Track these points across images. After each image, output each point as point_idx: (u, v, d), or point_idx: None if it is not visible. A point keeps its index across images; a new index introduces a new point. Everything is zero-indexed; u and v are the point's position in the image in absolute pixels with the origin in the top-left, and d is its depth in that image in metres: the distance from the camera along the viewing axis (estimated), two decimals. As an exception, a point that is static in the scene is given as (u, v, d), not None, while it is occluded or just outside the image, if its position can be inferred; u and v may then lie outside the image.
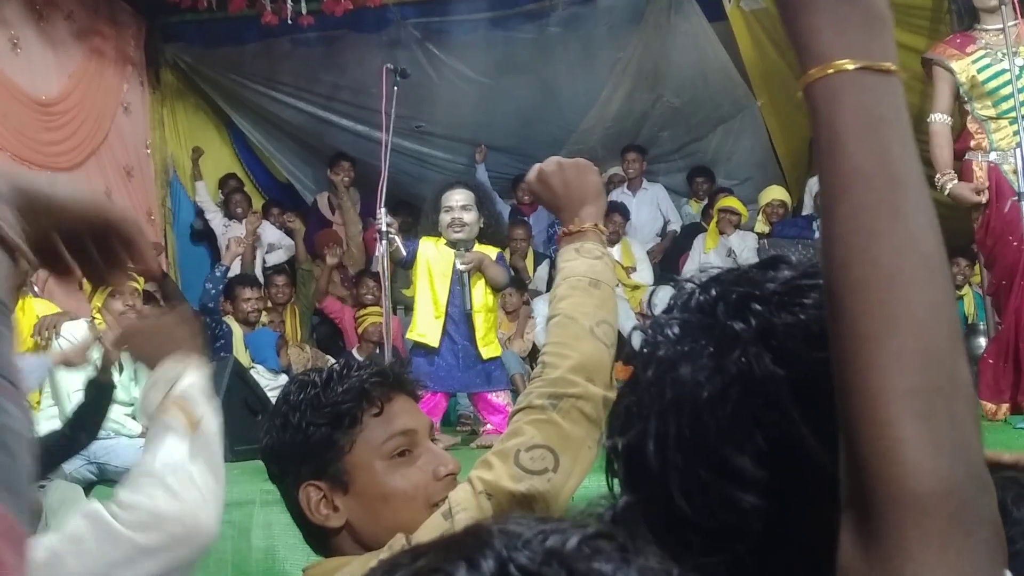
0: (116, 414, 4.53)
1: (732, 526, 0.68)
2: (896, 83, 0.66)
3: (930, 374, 0.59)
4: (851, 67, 0.65)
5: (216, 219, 8.08)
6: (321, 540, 1.43)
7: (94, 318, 4.90)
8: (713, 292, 0.74)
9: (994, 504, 0.60)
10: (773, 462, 0.67)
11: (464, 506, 1.30)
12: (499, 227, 5.54)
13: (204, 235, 8.27)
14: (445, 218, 5.13)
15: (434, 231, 5.23)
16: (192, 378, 1.50)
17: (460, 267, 5.08)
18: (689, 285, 0.77)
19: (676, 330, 0.73)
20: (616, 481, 0.77)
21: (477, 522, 0.48)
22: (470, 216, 5.13)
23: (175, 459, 1.35)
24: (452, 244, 5.15)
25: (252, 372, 5.85)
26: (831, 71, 0.65)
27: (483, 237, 5.27)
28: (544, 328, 6.86)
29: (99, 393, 3.94)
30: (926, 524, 0.57)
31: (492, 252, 5.27)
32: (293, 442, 1.40)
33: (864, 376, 0.59)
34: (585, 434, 1.36)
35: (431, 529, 1.29)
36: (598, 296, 1.46)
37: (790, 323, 0.70)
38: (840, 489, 0.62)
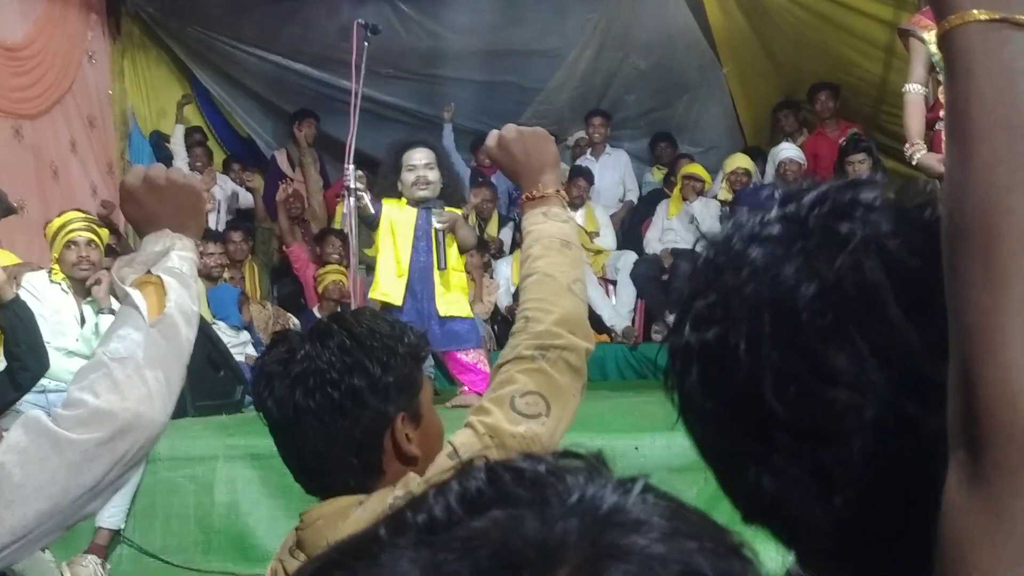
0: (77, 367, 4.49)
1: (824, 427, 0.68)
2: None
3: None
4: (987, 18, 0.65)
5: (181, 167, 7.96)
6: (369, 474, 1.45)
7: (53, 268, 4.85)
8: (804, 200, 0.74)
9: None
10: (873, 366, 0.67)
11: (469, 447, 1.37)
12: (457, 188, 5.61)
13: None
14: (409, 177, 5.18)
15: (392, 192, 5.26)
16: (177, 259, 1.44)
17: (437, 226, 5.14)
18: (770, 194, 0.77)
19: (776, 230, 0.73)
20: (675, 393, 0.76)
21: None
22: (434, 175, 5.22)
23: (126, 350, 1.32)
24: (416, 203, 5.19)
25: (213, 328, 5.83)
26: (969, 19, 0.65)
27: (443, 198, 5.33)
28: (508, 290, 6.95)
29: (12, 313, 3.84)
30: None
31: (457, 212, 5.36)
32: (399, 373, 1.45)
33: (989, 319, 0.60)
34: (570, 382, 1.44)
35: (440, 469, 1.35)
36: (570, 256, 1.54)
37: (892, 231, 0.70)
38: (948, 430, 0.62)
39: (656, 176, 8.52)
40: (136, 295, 1.38)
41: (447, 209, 5.26)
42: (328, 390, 1.41)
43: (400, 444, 1.45)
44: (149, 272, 1.43)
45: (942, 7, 0.67)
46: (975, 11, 0.65)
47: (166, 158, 7.95)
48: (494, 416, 1.39)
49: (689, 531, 0.44)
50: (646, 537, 0.42)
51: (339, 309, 6.51)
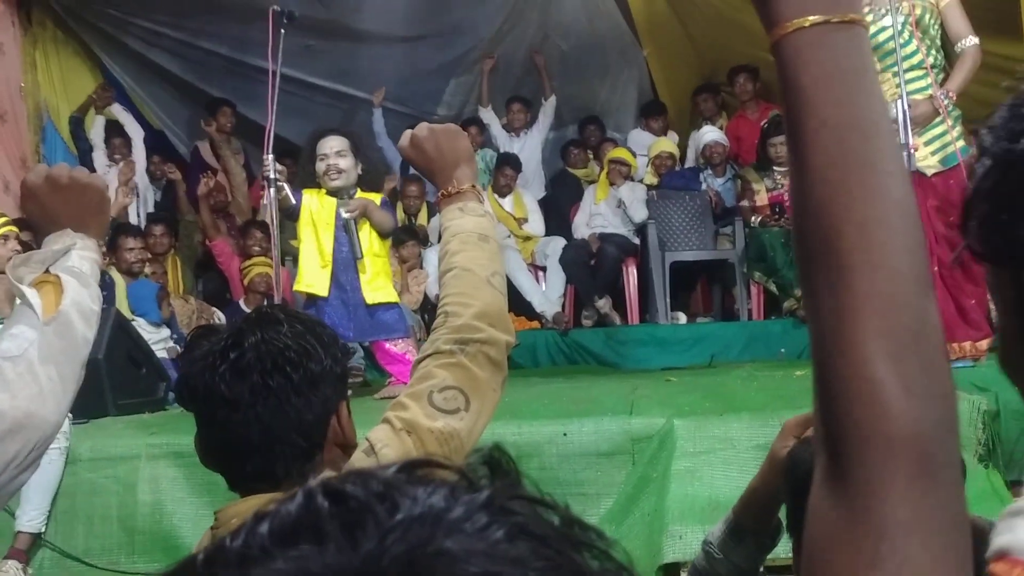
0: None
1: None
2: (860, 33, 0.67)
3: (902, 317, 0.60)
4: (810, 23, 0.65)
5: (100, 158, 7.75)
6: (310, 460, 1.45)
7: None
8: None
9: (958, 447, 0.61)
10: None
11: (386, 442, 1.38)
12: (378, 174, 5.56)
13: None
14: (321, 166, 5.17)
15: (312, 182, 5.23)
16: (77, 258, 1.43)
17: (345, 215, 5.09)
18: None
19: None
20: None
21: None
22: (346, 162, 5.18)
23: (18, 348, 1.29)
24: (332, 192, 5.14)
25: (133, 324, 5.71)
26: (791, 29, 0.66)
27: (363, 184, 5.29)
28: (436, 279, 6.90)
29: None
30: (893, 465, 0.57)
31: (376, 198, 5.32)
32: (342, 362, 1.49)
33: (837, 318, 0.60)
34: (490, 376, 1.45)
35: (358, 465, 1.36)
36: (488, 250, 1.56)
37: None
38: (814, 436, 0.62)
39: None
40: (32, 294, 1.36)
41: (361, 195, 5.22)
42: (287, 370, 1.42)
43: (345, 429, 1.48)
44: (48, 271, 1.40)
45: (768, 20, 0.68)
46: (797, 19, 0.66)
47: (84, 149, 7.77)
48: (411, 411, 1.39)
49: (519, 557, 0.41)
50: (465, 569, 0.40)
51: (266, 302, 6.42)
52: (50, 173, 1.47)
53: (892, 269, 0.60)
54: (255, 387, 1.41)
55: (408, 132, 1.66)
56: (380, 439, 1.39)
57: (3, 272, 4.62)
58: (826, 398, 0.61)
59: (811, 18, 0.65)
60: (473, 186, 1.63)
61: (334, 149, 5.16)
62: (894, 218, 0.62)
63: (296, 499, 0.43)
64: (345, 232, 5.11)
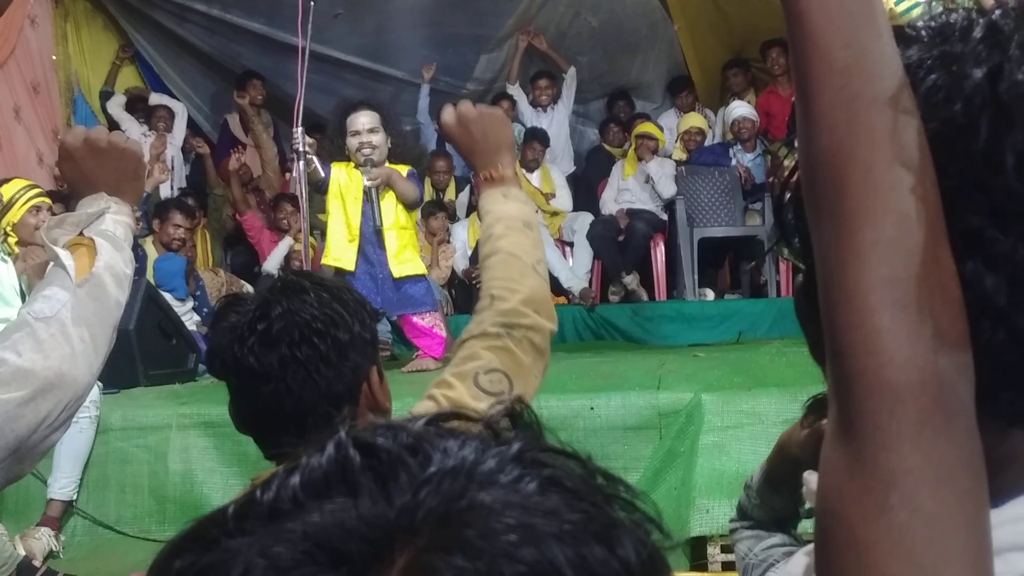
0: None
1: None
2: None
3: (909, 263, 0.59)
4: None
5: (133, 128, 7.75)
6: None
7: (8, 235, 4.74)
8: None
9: (971, 393, 0.59)
10: None
11: None
12: (408, 148, 5.54)
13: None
14: (353, 142, 5.14)
15: (340, 156, 5.20)
16: (111, 222, 1.44)
17: (367, 183, 5.09)
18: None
19: None
20: None
21: None
22: (378, 138, 5.17)
23: (51, 309, 1.30)
24: (362, 166, 5.13)
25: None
26: None
27: (394, 156, 5.27)
28: (464, 254, 6.91)
29: None
30: (901, 414, 0.57)
31: (403, 169, 5.29)
32: (371, 328, 1.50)
33: (843, 267, 0.59)
34: (533, 363, 1.46)
35: None
36: (532, 237, 1.57)
37: None
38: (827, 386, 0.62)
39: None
40: (65, 255, 1.37)
41: (388, 165, 5.21)
42: (315, 341, 1.42)
43: (376, 395, 1.49)
44: (81, 234, 1.42)
45: None
46: None
47: (114, 123, 7.80)
48: (457, 391, 1.40)
49: (554, 509, 0.41)
50: (500, 521, 0.40)
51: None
52: (88, 135, 1.48)
53: (900, 214, 0.59)
54: (284, 359, 1.41)
55: (450, 108, 1.65)
56: (423, 415, 1.38)
57: (35, 244, 4.66)
58: (833, 350, 0.60)
59: None
60: (515, 173, 1.64)
61: (366, 126, 5.15)
62: (902, 162, 0.60)
63: (326, 451, 0.43)
64: (367, 200, 5.12)
